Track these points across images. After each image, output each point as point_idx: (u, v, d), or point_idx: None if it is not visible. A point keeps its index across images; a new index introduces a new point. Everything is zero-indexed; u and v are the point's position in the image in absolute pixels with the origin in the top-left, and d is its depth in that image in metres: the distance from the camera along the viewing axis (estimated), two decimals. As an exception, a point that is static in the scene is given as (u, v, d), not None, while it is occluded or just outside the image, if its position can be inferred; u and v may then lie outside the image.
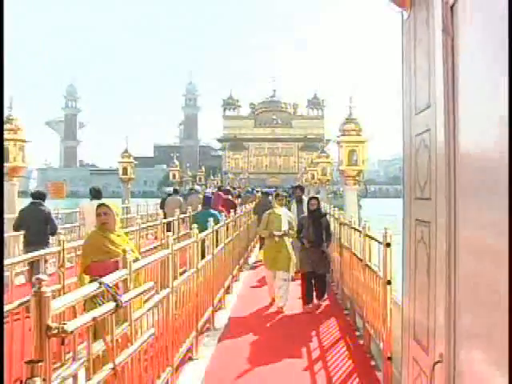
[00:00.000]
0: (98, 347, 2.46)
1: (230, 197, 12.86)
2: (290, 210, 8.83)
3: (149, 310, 3.34)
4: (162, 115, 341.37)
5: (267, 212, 7.37)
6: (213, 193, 12.20)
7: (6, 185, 9.75)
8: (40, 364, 1.72)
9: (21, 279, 7.87)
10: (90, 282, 2.64)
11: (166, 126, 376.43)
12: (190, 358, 4.84)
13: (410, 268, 2.07)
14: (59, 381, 2.04)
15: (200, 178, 43.16)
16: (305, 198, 9.11)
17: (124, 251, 3.10)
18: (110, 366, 2.45)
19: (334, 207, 9.51)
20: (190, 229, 6.27)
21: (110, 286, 2.59)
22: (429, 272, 1.84)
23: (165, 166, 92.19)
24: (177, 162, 33.19)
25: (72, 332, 1.98)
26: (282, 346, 5.33)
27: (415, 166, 1.98)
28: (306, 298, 6.92)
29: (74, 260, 5.59)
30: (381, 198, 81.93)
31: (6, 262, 4.17)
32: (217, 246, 6.70)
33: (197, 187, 18.60)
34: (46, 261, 5.14)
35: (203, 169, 46.13)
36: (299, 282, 7.22)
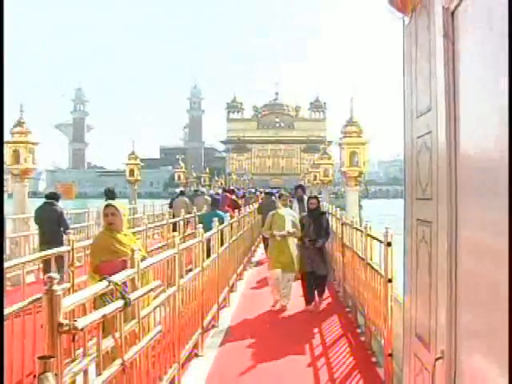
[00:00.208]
0: (108, 344, 2.53)
1: (233, 197, 13.11)
2: (291, 208, 8.88)
3: (156, 307, 3.39)
4: (166, 116, 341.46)
5: (271, 213, 7.40)
6: (217, 193, 12.35)
7: (17, 186, 9.98)
8: (52, 360, 1.76)
9: (31, 277, 8.03)
10: (100, 280, 2.70)
11: (170, 127, 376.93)
12: (196, 355, 4.90)
13: (411, 267, 2.09)
14: (70, 375, 2.10)
15: (204, 179, 43.39)
16: (306, 198, 9.16)
17: (132, 250, 3.15)
18: (119, 361, 2.51)
19: (336, 207, 9.54)
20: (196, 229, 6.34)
21: (119, 284, 2.65)
22: (430, 271, 1.86)
23: (170, 168, 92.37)
24: (182, 164, 33.43)
25: (82, 329, 2.03)
26: (285, 343, 5.39)
27: (416, 167, 2.00)
28: (308, 298, 6.96)
29: (82, 259, 5.70)
30: (381, 198, 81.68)
31: (19, 260, 4.27)
32: (222, 245, 6.76)
33: (202, 189, 18.77)
34: (61, 257, 5.28)
35: (208, 170, 46.28)
36: (299, 281, 7.25)
